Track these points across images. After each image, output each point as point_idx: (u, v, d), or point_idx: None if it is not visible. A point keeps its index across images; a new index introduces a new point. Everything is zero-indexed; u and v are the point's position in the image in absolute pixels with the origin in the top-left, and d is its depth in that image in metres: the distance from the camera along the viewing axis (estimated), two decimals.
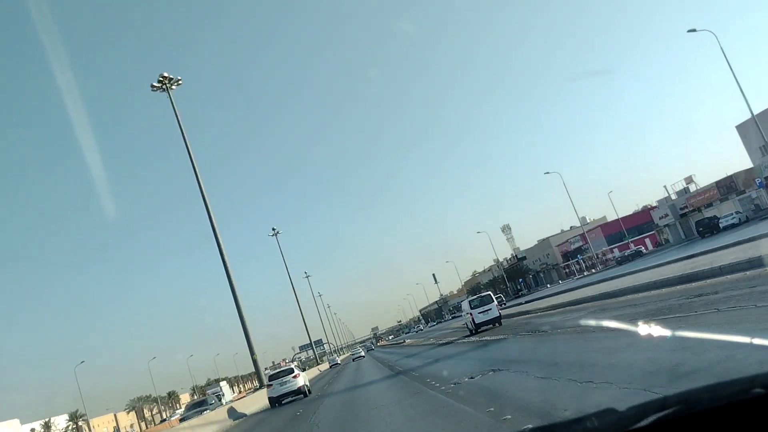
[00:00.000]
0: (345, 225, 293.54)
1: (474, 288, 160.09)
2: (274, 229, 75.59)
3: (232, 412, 25.75)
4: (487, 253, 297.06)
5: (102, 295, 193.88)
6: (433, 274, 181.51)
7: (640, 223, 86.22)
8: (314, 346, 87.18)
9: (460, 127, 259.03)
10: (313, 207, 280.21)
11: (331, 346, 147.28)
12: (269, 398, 25.99)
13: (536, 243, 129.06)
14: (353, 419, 13.44)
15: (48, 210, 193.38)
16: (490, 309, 29.10)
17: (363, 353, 75.90)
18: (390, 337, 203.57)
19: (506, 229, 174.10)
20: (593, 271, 78.30)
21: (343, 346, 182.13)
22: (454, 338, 34.78)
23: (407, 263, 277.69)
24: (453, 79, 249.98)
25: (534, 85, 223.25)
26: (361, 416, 13.41)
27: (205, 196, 31.17)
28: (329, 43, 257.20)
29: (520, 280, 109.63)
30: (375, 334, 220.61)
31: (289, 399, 25.77)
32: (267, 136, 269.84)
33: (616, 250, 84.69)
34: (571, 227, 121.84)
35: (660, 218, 69.10)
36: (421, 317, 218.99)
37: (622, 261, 64.52)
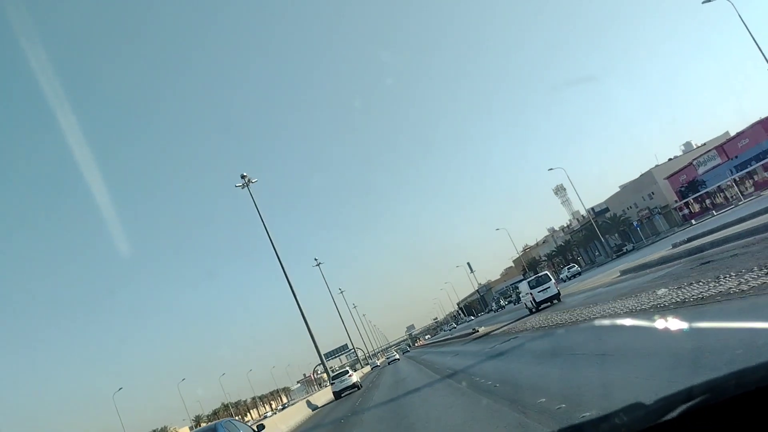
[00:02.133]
0: (363, 234, 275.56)
1: (530, 263, 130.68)
2: (243, 176, 45.75)
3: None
4: (533, 227, 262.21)
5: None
6: (468, 263, 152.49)
7: None
8: (323, 360, 58.28)
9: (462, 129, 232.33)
10: (327, 227, 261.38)
11: (362, 352, 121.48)
12: (333, 392, 35.93)
13: (618, 189, 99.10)
14: None
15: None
16: (549, 287, 30.86)
17: (398, 356, 77.18)
18: (427, 337, 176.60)
19: (560, 190, 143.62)
20: None
21: (378, 350, 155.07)
22: None
23: (440, 253, 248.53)
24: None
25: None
26: None
27: None
28: (325, 68, 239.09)
29: (636, 223, 79.44)
30: (410, 334, 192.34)
31: (348, 392, 35.08)
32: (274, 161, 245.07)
33: None
34: (671, 159, 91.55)
35: None
36: (461, 310, 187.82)
37: None
